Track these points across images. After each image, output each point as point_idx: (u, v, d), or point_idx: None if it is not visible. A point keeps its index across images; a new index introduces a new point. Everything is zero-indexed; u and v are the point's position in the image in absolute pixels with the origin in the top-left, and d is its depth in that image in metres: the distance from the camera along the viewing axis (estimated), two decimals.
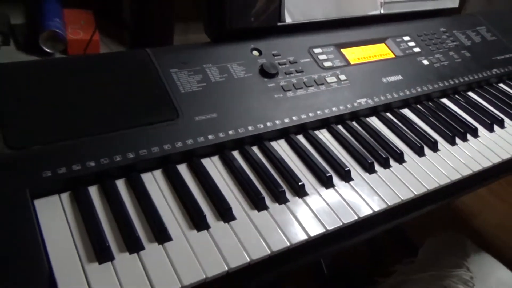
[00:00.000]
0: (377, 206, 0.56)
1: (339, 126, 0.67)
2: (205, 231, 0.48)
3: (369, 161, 0.61)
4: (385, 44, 0.82)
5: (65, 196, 0.48)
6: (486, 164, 0.68)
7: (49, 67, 0.58)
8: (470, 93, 0.84)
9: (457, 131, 0.71)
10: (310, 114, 0.65)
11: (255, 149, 0.60)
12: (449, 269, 0.69)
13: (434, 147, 0.68)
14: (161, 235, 0.46)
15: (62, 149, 0.49)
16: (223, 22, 0.66)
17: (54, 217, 0.46)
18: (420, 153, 0.66)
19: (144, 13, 1.07)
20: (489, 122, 0.75)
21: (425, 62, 0.82)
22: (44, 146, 0.49)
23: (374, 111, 0.72)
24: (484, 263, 0.73)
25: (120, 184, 0.51)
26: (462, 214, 1.41)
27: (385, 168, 0.62)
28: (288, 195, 0.55)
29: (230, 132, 0.58)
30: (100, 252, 0.43)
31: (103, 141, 0.51)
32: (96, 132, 0.52)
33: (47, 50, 0.93)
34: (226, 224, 0.50)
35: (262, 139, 0.61)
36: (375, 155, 0.63)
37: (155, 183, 0.52)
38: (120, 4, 1.12)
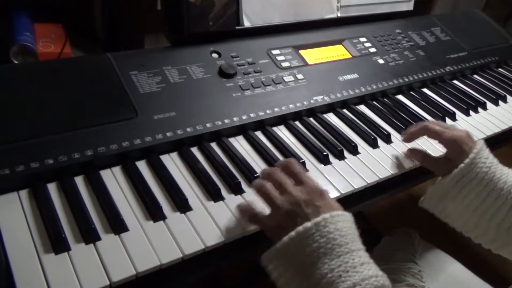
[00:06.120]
0: (330, 194, 0.58)
1: (296, 122, 0.70)
2: (162, 221, 0.50)
3: (324, 153, 0.64)
4: (342, 45, 0.86)
5: (23, 193, 0.50)
6: (438, 153, 0.71)
7: (10, 72, 0.60)
8: (425, 90, 0.88)
9: (409, 124, 0.75)
10: (268, 111, 0.68)
11: (213, 145, 0.63)
12: (399, 263, 0.72)
13: (387, 139, 0.71)
14: (117, 225, 0.48)
15: (20, 148, 0.51)
16: (181, 27, 0.69)
17: (12, 213, 0.48)
18: (373, 145, 0.69)
19: (115, 26, 1.10)
20: (441, 115, 0.79)
21: (381, 61, 0.86)
22: (2, 145, 0.51)
23: (331, 107, 0.75)
24: (435, 258, 0.76)
25: (79, 180, 0.53)
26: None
27: (339, 159, 0.65)
28: (245, 186, 0.57)
29: (188, 129, 0.61)
30: (56, 243, 0.45)
31: (62, 140, 0.53)
32: (55, 131, 0.54)
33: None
34: (183, 214, 0.52)
35: (220, 136, 0.63)
36: (330, 147, 0.66)
37: (113, 178, 0.54)
38: (92, 17, 1.14)
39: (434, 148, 0.70)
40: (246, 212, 0.50)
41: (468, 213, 0.60)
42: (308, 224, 0.44)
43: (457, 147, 0.61)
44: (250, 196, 0.56)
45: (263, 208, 0.50)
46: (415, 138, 0.69)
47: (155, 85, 0.64)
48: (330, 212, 0.46)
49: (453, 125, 0.77)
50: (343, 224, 0.45)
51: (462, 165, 0.59)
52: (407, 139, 0.69)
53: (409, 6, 1.02)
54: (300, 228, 0.44)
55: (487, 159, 0.60)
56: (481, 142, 0.62)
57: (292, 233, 0.44)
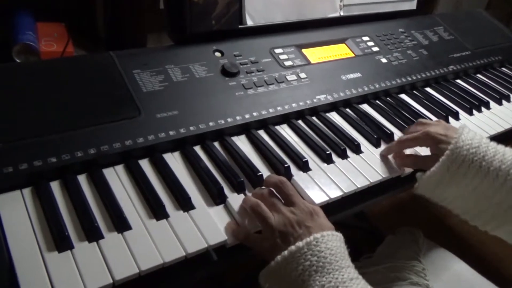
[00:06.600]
0: (333, 193, 0.59)
1: (299, 121, 0.70)
2: (164, 220, 0.50)
3: (327, 152, 0.64)
4: (345, 44, 0.86)
5: (26, 191, 0.50)
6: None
7: (13, 71, 0.60)
8: (428, 89, 0.88)
9: (412, 123, 0.75)
10: (271, 110, 0.68)
11: (216, 144, 0.62)
12: (402, 262, 0.72)
13: (390, 138, 0.71)
14: (120, 224, 0.48)
15: (24, 146, 0.51)
16: (184, 26, 0.69)
17: (15, 211, 0.48)
18: (376, 144, 0.69)
19: (117, 25, 1.10)
20: (444, 114, 0.79)
21: (384, 60, 0.86)
22: (6, 144, 0.51)
23: (333, 106, 0.75)
24: (439, 257, 0.75)
25: (82, 179, 0.53)
26: (439, 212, 1.44)
27: (342, 159, 0.65)
28: (247, 185, 0.57)
29: (191, 128, 0.61)
30: (59, 241, 0.45)
31: (64, 139, 0.53)
32: (58, 130, 0.54)
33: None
34: (186, 213, 0.52)
35: (223, 135, 0.63)
36: (333, 146, 0.66)
37: (116, 177, 0.54)
38: (94, 16, 1.14)
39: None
40: (239, 234, 0.51)
41: (466, 194, 0.59)
42: (300, 244, 0.46)
43: (434, 140, 0.61)
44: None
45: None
46: (392, 153, 0.68)
47: (158, 84, 0.64)
48: (321, 232, 0.48)
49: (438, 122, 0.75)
50: (333, 243, 0.47)
51: (447, 151, 0.58)
52: (386, 153, 0.68)
53: (412, 5, 1.01)
54: (292, 247, 0.46)
55: (473, 139, 0.59)
56: (462, 125, 0.62)
57: (285, 253, 0.47)
